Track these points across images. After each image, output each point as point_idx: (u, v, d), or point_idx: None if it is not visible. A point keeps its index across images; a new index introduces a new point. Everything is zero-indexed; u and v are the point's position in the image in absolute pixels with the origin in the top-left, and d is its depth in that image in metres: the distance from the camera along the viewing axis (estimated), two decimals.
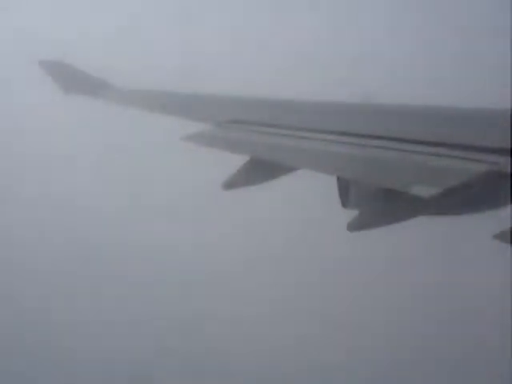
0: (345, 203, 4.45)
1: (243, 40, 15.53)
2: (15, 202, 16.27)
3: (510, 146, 3.60)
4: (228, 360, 12.99)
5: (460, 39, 14.26)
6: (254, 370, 12.70)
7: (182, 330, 13.68)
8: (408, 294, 12.23)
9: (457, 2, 14.55)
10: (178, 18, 16.60)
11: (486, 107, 4.43)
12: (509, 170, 3.43)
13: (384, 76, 13.37)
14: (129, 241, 15.09)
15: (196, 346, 13.29)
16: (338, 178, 4.47)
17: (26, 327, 14.13)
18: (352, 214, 4.15)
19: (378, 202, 4.14)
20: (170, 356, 13.26)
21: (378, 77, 13.37)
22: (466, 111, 4.55)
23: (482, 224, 4.14)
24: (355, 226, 4.09)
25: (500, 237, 3.39)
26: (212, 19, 16.54)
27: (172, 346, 13.37)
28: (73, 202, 16.22)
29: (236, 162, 5.08)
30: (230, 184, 5.17)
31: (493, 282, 10.68)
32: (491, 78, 11.60)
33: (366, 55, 14.61)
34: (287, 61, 15.09)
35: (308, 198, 10.01)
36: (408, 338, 12.13)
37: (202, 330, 13.66)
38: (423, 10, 15.24)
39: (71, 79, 9.07)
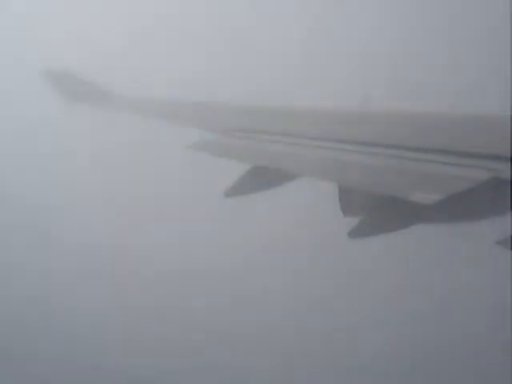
0: (346, 210, 4.46)
1: (245, 47, 15.59)
2: (17, 207, 16.33)
3: (509, 153, 3.62)
4: (228, 361, 13.01)
5: (461, 42, 14.29)
6: (253, 371, 12.72)
7: (182, 332, 13.71)
8: (408, 300, 12.23)
9: (458, 3, 14.57)
10: (182, 25, 16.68)
11: (485, 113, 4.45)
12: (509, 177, 3.44)
13: (384, 78, 13.41)
14: (130, 247, 15.12)
15: (195, 348, 13.31)
16: (339, 185, 4.48)
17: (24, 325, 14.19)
18: (353, 221, 4.17)
19: (379, 210, 4.16)
20: (169, 358, 13.29)
21: (378, 80, 13.41)
22: (466, 117, 4.57)
23: (482, 231, 4.15)
24: (356, 233, 4.11)
25: (502, 243, 3.41)
26: (214, 24, 16.60)
27: (170, 348, 13.39)
28: (75, 209, 16.27)
29: (238, 169, 5.11)
30: (233, 191, 5.19)
31: (493, 289, 10.68)
32: (491, 83, 11.62)
33: (366, 57, 14.65)
34: (289, 66, 15.14)
35: (309, 205, 10.02)
36: (408, 341, 12.13)
37: (202, 333, 13.69)
38: (424, 11, 15.27)
39: (75, 88, 9.13)
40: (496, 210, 4.01)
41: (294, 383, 12.73)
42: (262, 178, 5.02)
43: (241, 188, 5.15)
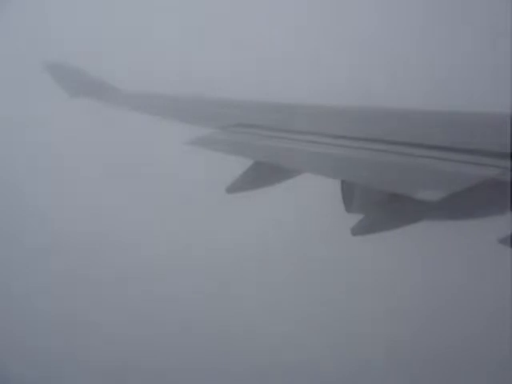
0: (349, 207, 4.46)
1: (246, 43, 15.56)
2: (18, 205, 16.31)
3: (510, 151, 3.63)
4: (228, 360, 13.03)
5: (462, 42, 14.27)
6: (252, 370, 12.74)
7: (181, 329, 13.73)
8: (411, 297, 12.24)
9: (459, 2, 14.55)
10: (183, 20, 16.65)
11: (487, 111, 4.45)
12: (509, 176, 3.45)
13: (386, 77, 13.39)
14: (131, 242, 15.10)
15: (197, 346, 13.34)
16: (342, 182, 4.49)
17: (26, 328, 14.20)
18: (356, 218, 4.17)
19: (382, 207, 4.16)
20: (167, 355, 13.31)
21: (380, 78, 13.40)
22: (468, 115, 4.57)
23: (485, 228, 4.15)
24: (359, 230, 4.11)
25: (503, 241, 3.42)
26: (215, 20, 16.58)
27: (175, 345, 13.42)
28: (75, 202, 16.24)
29: (240, 165, 5.10)
30: (235, 188, 5.19)
31: (495, 286, 10.70)
32: (492, 82, 11.62)
33: (367, 56, 14.63)
34: (289, 63, 15.12)
35: (312, 201, 10.02)
36: (408, 340, 12.15)
37: (201, 331, 13.71)
38: (425, 11, 15.25)
39: (76, 82, 9.11)
40: (498, 208, 4.02)
41: (294, 382, 12.76)
42: (264, 174, 5.02)
43: (243, 184, 5.15)
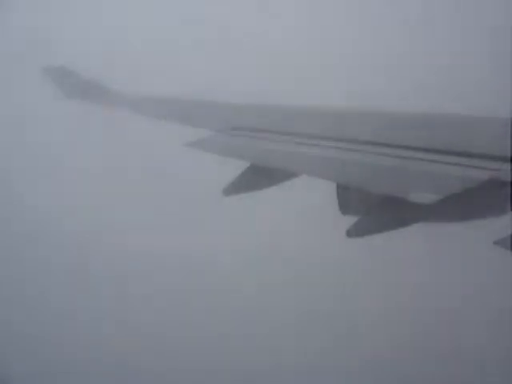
0: (344, 209, 4.46)
1: (245, 46, 15.58)
2: (18, 205, 16.33)
3: (509, 154, 3.62)
4: (227, 360, 13.03)
5: (462, 43, 14.27)
6: (251, 372, 12.74)
7: (181, 331, 13.73)
8: (407, 299, 12.24)
9: (459, 2, 14.54)
10: (182, 22, 16.68)
11: (486, 115, 4.45)
12: (509, 177, 3.45)
13: (383, 79, 13.40)
14: (130, 242, 15.11)
15: (196, 345, 13.34)
16: (338, 184, 4.48)
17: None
18: (351, 220, 4.16)
19: (378, 209, 4.15)
20: (166, 357, 13.32)
21: (378, 80, 13.40)
22: (466, 118, 4.57)
23: (481, 231, 4.14)
24: (354, 232, 4.10)
25: (500, 243, 3.41)
26: (215, 23, 16.60)
27: (174, 345, 13.42)
28: (74, 202, 16.25)
29: (237, 167, 5.11)
30: (231, 190, 5.20)
31: (493, 289, 10.69)
32: (492, 83, 11.62)
33: (366, 56, 14.63)
34: (289, 65, 15.14)
35: (307, 204, 10.01)
36: (407, 341, 12.15)
37: (200, 332, 13.71)
38: (425, 11, 15.25)
39: (74, 85, 9.14)
40: (495, 210, 4.01)
41: (294, 382, 12.75)
42: (260, 176, 5.03)
43: (239, 186, 5.16)
